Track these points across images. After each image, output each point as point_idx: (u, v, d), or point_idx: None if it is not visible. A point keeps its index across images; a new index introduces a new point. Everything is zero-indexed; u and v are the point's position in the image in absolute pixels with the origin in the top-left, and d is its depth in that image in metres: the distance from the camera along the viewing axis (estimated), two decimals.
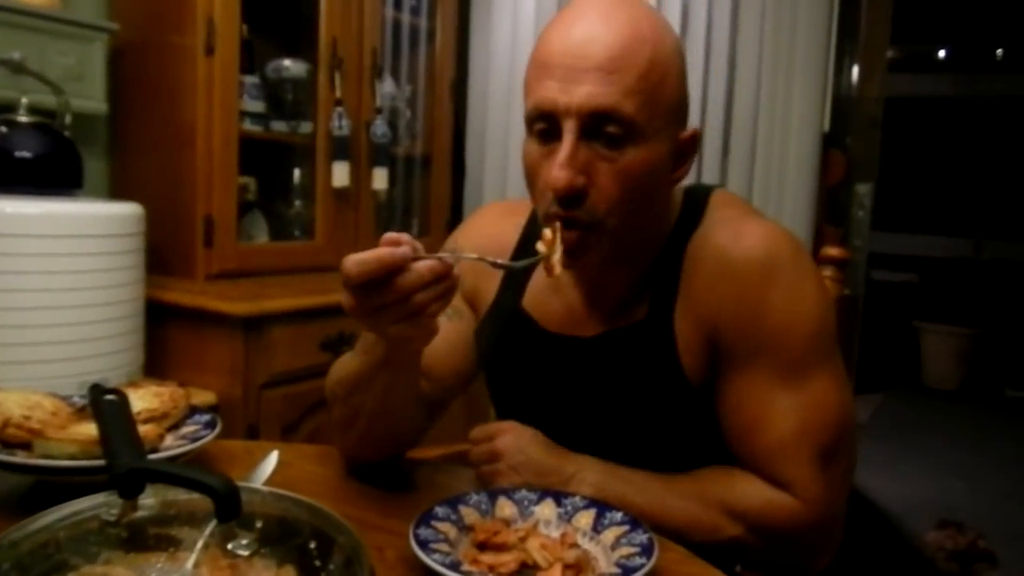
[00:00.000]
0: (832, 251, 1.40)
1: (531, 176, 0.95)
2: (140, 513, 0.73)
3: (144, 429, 0.90)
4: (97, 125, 2.19)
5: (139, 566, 0.72)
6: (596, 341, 1.03)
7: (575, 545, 0.84)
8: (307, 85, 2.41)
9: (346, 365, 1.00)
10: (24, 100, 1.79)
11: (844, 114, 2.77)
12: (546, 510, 0.90)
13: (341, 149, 2.38)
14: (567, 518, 0.89)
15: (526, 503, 0.91)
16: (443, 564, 0.75)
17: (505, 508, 0.90)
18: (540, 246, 0.91)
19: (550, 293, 1.08)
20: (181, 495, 0.74)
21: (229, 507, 0.65)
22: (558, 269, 0.89)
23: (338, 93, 2.37)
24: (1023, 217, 5.72)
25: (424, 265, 0.77)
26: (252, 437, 1.90)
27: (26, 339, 1.63)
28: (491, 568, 0.79)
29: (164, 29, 2.12)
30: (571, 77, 0.88)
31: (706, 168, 2.73)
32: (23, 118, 1.78)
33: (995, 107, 5.77)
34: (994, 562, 2.85)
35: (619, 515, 0.88)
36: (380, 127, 2.49)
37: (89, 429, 0.91)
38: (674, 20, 2.70)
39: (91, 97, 2.05)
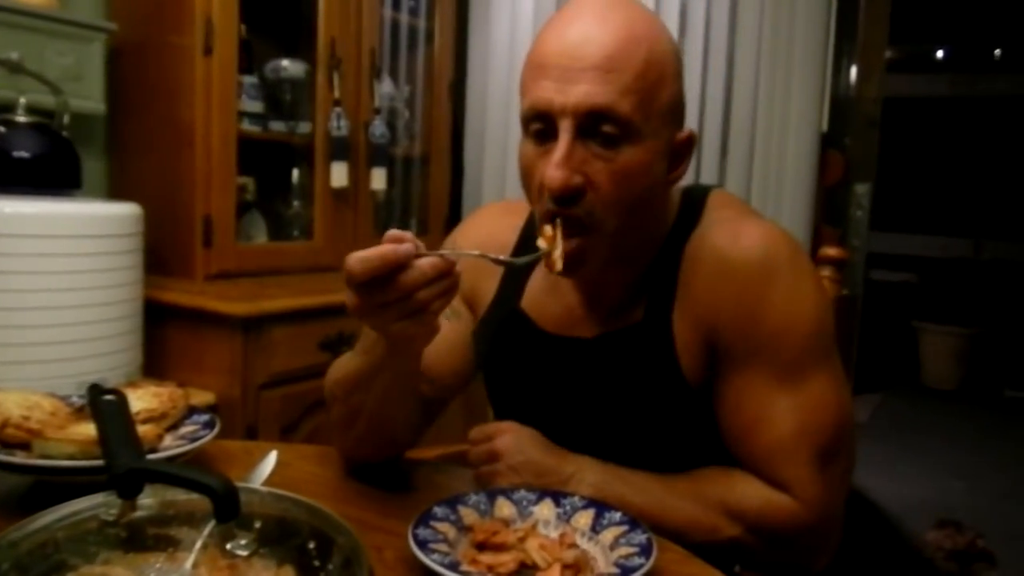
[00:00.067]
0: (830, 251, 1.40)
1: (527, 177, 0.95)
2: (139, 513, 0.73)
3: (143, 429, 0.90)
4: (95, 125, 2.19)
5: (138, 566, 0.72)
6: (594, 342, 1.03)
7: (574, 545, 0.84)
8: (305, 85, 2.41)
9: (345, 365, 1.00)
10: (22, 100, 1.79)
11: (842, 114, 2.77)
12: (545, 510, 0.90)
13: (340, 149, 2.38)
14: (566, 518, 0.89)
15: (525, 503, 0.91)
16: (442, 564, 0.75)
17: (504, 508, 0.90)
18: (541, 242, 0.91)
19: (548, 294, 1.08)
20: (180, 495, 0.74)
21: (228, 507, 0.66)
22: (559, 265, 0.90)
23: (336, 93, 2.37)
24: (1022, 217, 5.73)
25: (427, 262, 0.77)
26: (251, 437, 1.90)
27: (25, 339, 1.63)
28: (490, 568, 0.79)
29: (162, 29, 2.12)
30: (567, 77, 0.88)
31: (704, 168, 2.73)
32: (21, 118, 1.78)
33: (993, 107, 5.78)
34: (993, 562, 2.85)
35: (618, 515, 0.88)
36: (379, 127, 2.49)
37: (88, 429, 0.91)
38: (672, 20, 2.70)
39: (89, 97, 2.05)
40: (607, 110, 0.87)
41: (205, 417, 1.05)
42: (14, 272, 1.61)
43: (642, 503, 0.94)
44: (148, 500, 0.74)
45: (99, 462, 0.81)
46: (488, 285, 1.13)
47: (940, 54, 6.06)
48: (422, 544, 0.78)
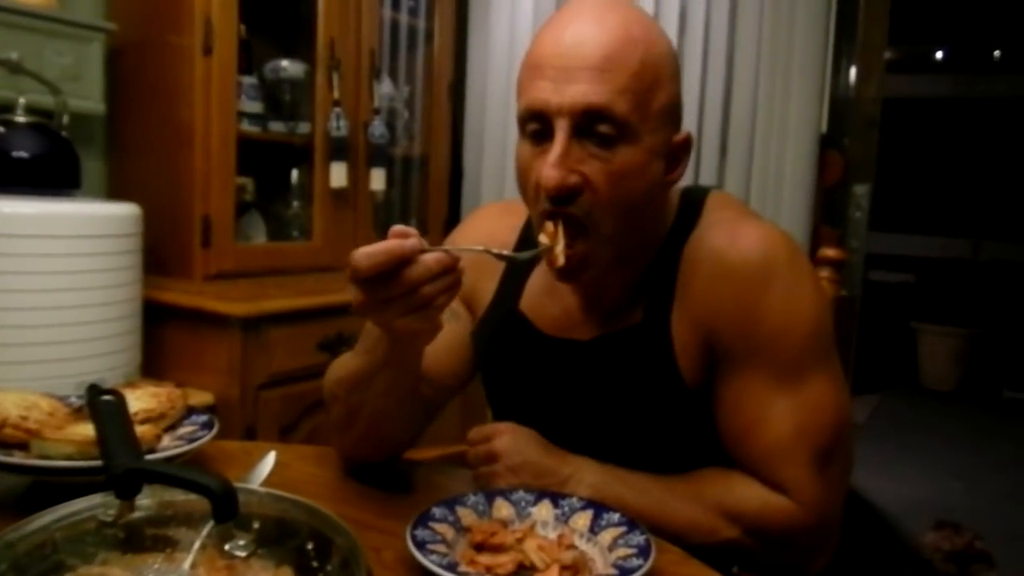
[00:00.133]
0: (829, 252, 1.40)
1: (523, 178, 0.95)
2: (137, 514, 0.73)
3: (141, 430, 0.90)
4: (95, 125, 2.19)
5: (136, 567, 0.72)
6: (593, 344, 1.03)
7: (572, 546, 0.84)
8: (305, 86, 2.41)
9: (346, 365, 1.00)
10: (21, 100, 1.79)
11: (842, 115, 2.77)
12: (543, 511, 0.90)
13: (339, 150, 2.38)
14: (564, 519, 0.89)
15: (523, 504, 0.91)
16: (440, 565, 0.75)
17: (502, 509, 0.90)
18: (543, 238, 0.91)
19: (547, 296, 1.08)
20: (178, 496, 0.74)
21: (226, 508, 0.65)
22: (561, 260, 0.91)
23: (336, 94, 2.37)
24: (1021, 218, 5.73)
25: (432, 257, 0.78)
26: (250, 438, 1.90)
27: (23, 339, 1.63)
28: (488, 569, 0.79)
29: (162, 29, 2.12)
30: (564, 77, 0.88)
31: (704, 168, 2.73)
32: (20, 118, 1.77)
33: (993, 108, 5.78)
34: (991, 563, 2.85)
35: (616, 516, 0.88)
36: (378, 128, 2.49)
37: (86, 430, 0.91)
38: (672, 21, 2.70)
39: (89, 97, 2.05)
40: (603, 109, 0.88)
41: (203, 418, 1.05)
42: (13, 272, 1.61)
43: (641, 504, 0.94)
44: (146, 501, 0.74)
45: (97, 462, 0.81)
46: (487, 286, 1.13)
47: (939, 55, 6.06)
48: (420, 545, 0.78)
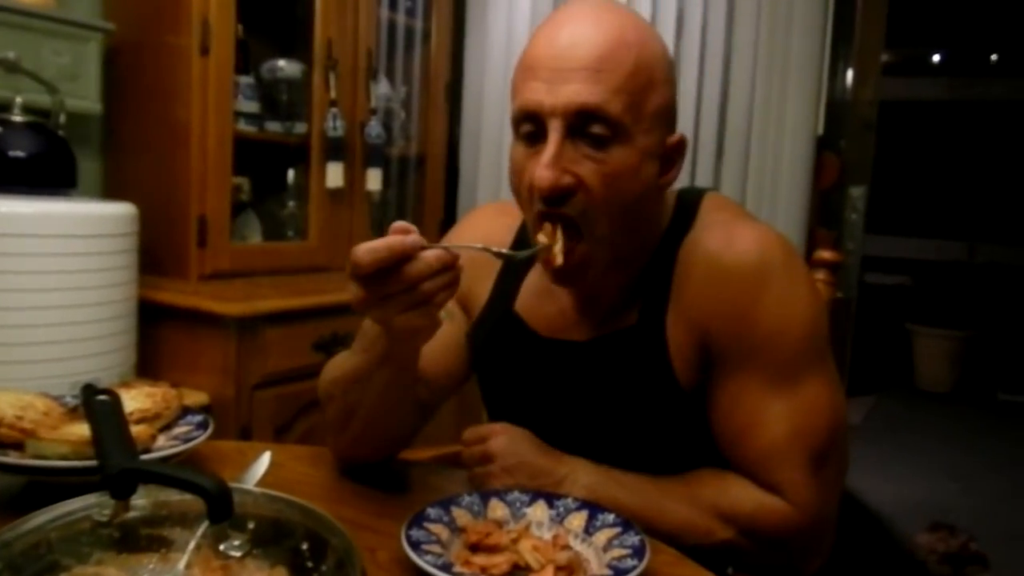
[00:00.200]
0: (825, 254, 1.40)
1: (517, 180, 0.96)
2: (132, 514, 0.73)
3: (136, 430, 0.90)
4: (91, 125, 2.19)
5: (131, 567, 0.72)
6: (588, 345, 1.03)
7: (567, 547, 0.84)
8: (302, 86, 2.41)
9: (342, 364, 1.00)
10: (18, 99, 1.79)
11: (838, 117, 2.77)
12: (538, 512, 0.90)
13: (335, 150, 2.38)
14: (559, 520, 0.89)
15: (518, 505, 0.91)
16: (435, 565, 0.75)
17: (497, 510, 0.90)
18: (541, 237, 0.92)
19: (543, 297, 1.08)
20: (173, 496, 0.74)
21: (221, 508, 0.65)
22: (560, 259, 0.91)
23: (333, 94, 2.37)
24: (1016, 221, 5.75)
25: (432, 254, 0.78)
26: (245, 438, 1.90)
27: (18, 339, 1.63)
28: (483, 570, 0.79)
29: (159, 29, 2.11)
30: (557, 78, 0.89)
31: (700, 170, 2.73)
32: (17, 117, 1.77)
33: (989, 111, 5.79)
34: (986, 564, 2.86)
35: (611, 517, 0.88)
36: (374, 128, 2.49)
37: (81, 429, 0.91)
38: (669, 23, 2.70)
39: (85, 97, 2.04)
40: (596, 110, 0.88)
41: (199, 418, 1.05)
42: (8, 272, 1.61)
43: (635, 505, 0.94)
44: (141, 501, 0.74)
45: (92, 462, 0.81)
46: (482, 288, 1.13)
47: (936, 58, 6.08)
48: (415, 545, 0.78)
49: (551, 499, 0.92)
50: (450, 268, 0.80)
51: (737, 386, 0.96)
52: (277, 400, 1.99)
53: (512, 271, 1.12)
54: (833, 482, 0.98)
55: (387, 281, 0.77)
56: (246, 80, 2.29)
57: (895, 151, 5.50)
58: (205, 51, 2.05)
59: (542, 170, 0.88)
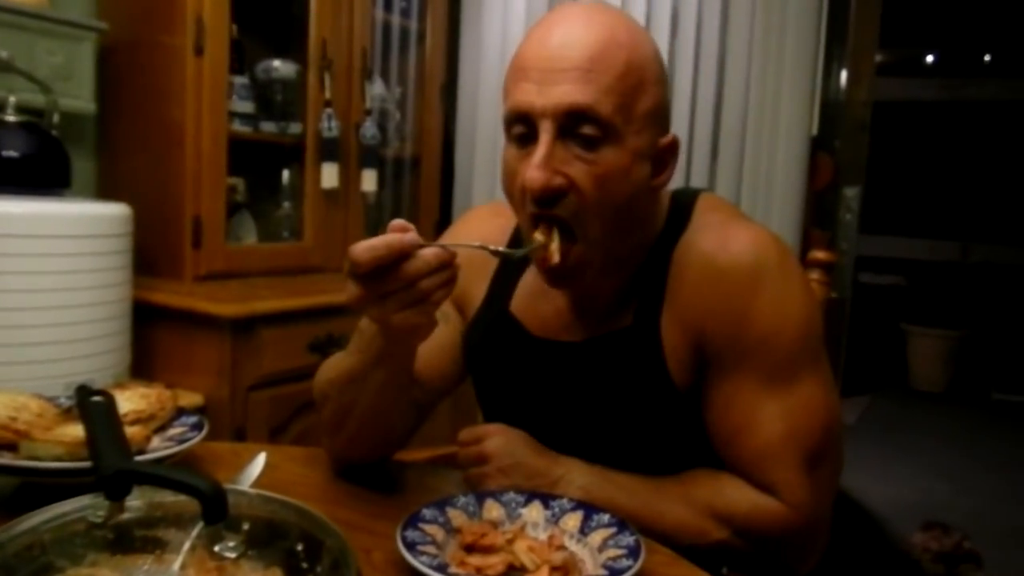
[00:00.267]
0: (819, 254, 1.40)
1: (509, 182, 0.96)
2: (126, 515, 0.73)
3: (131, 431, 0.90)
4: (85, 124, 2.18)
5: (125, 568, 0.72)
6: (583, 346, 1.04)
7: (562, 547, 0.84)
8: (296, 86, 2.40)
9: (338, 364, 1.00)
10: (12, 99, 1.78)
11: (832, 118, 2.79)
12: (534, 512, 0.90)
13: (330, 150, 2.38)
14: (555, 520, 0.89)
15: (514, 505, 0.91)
16: (430, 566, 0.75)
17: (493, 510, 0.90)
18: (538, 235, 0.92)
19: (538, 298, 1.08)
20: (168, 497, 0.74)
21: (216, 509, 0.65)
22: (556, 257, 0.91)
23: (328, 94, 2.36)
24: (1010, 220, 5.76)
25: (430, 252, 0.78)
26: (239, 439, 1.90)
27: (12, 340, 1.62)
28: (478, 570, 0.79)
29: (153, 29, 2.11)
30: (548, 79, 0.89)
31: (695, 171, 2.74)
32: (11, 117, 1.77)
33: (982, 111, 5.81)
34: (979, 563, 2.87)
35: (606, 517, 0.88)
36: (369, 129, 2.49)
37: (76, 431, 0.90)
38: (664, 23, 2.71)
39: (79, 96, 2.04)
40: (587, 110, 0.88)
41: (193, 419, 1.05)
42: (1, 272, 1.60)
43: (631, 505, 0.94)
44: (136, 502, 0.74)
45: (87, 464, 0.81)
46: (478, 288, 1.13)
47: (930, 58, 6.09)
48: (410, 546, 0.78)
49: (547, 500, 0.92)
50: (448, 266, 0.80)
51: (732, 386, 0.96)
52: (272, 401, 1.99)
53: (508, 272, 1.12)
54: (827, 482, 0.98)
55: (385, 279, 0.78)
56: (241, 80, 2.29)
57: (889, 151, 5.51)
58: (199, 51, 2.05)
59: (533, 171, 0.89)
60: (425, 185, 2.82)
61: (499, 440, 1.00)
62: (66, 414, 1.01)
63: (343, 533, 0.71)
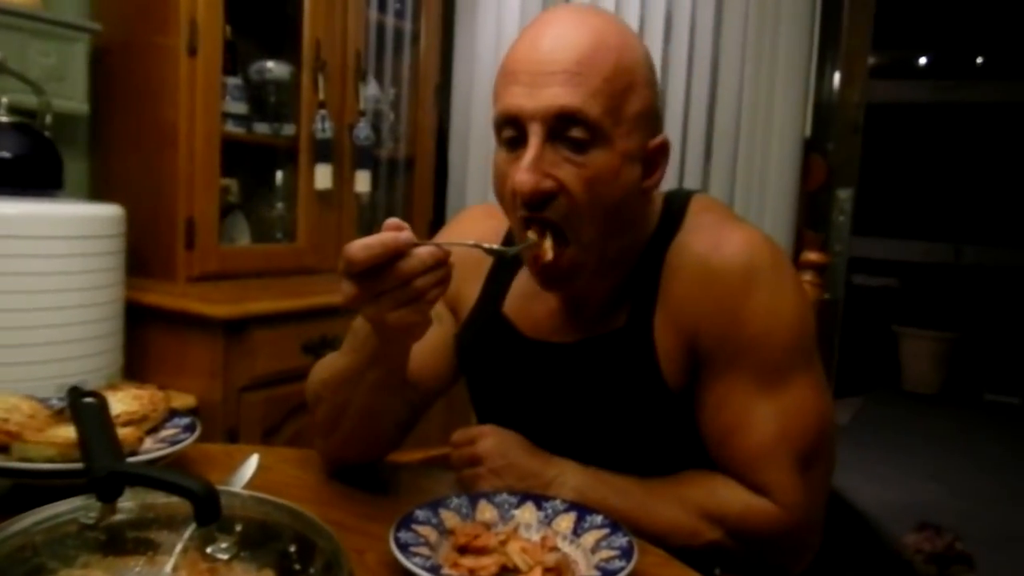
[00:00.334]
0: (812, 256, 1.41)
1: (500, 186, 0.96)
2: (118, 516, 0.73)
3: (123, 432, 0.90)
4: (78, 125, 2.18)
5: (117, 570, 0.72)
6: (576, 347, 1.04)
7: (555, 548, 0.84)
8: (290, 87, 2.40)
9: (331, 365, 1.00)
10: (4, 100, 1.78)
11: (825, 120, 2.79)
12: (527, 513, 0.90)
13: (324, 151, 2.37)
14: (548, 521, 0.89)
15: (507, 506, 0.91)
16: (423, 567, 0.75)
17: (486, 511, 0.90)
18: (531, 234, 0.92)
19: (531, 299, 1.08)
20: (160, 498, 0.74)
21: (208, 511, 0.65)
22: (549, 254, 0.92)
23: (321, 95, 2.36)
24: (1002, 222, 5.79)
25: (425, 250, 0.79)
26: (232, 440, 1.90)
27: (3, 341, 1.62)
28: (471, 572, 0.79)
29: (147, 29, 2.11)
30: (537, 82, 0.89)
31: (688, 173, 2.74)
32: (3, 118, 1.76)
33: (975, 114, 5.84)
34: (971, 564, 2.88)
35: (599, 518, 0.88)
36: (363, 130, 2.49)
37: (67, 432, 0.90)
38: (657, 26, 2.71)
39: (72, 97, 2.03)
40: (576, 112, 0.88)
41: (186, 420, 1.05)
42: None
43: (624, 506, 0.94)
44: (128, 503, 0.74)
45: (79, 465, 0.81)
46: (471, 289, 1.13)
47: (923, 60, 6.12)
48: (403, 547, 0.78)
49: (539, 501, 0.92)
50: (442, 264, 0.80)
51: (725, 387, 0.96)
52: (265, 403, 1.98)
53: (501, 272, 1.12)
54: (820, 483, 0.98)
55: (380, 278, 0.78)
56: (234, 81, 2.29)
57: (882, 153, 5.53)
58: (193, 52, 2.04)
59: (522, 174, 0.89)
60: (419, 186, 2.82)
61: (492, 441, 1.00)
62: (58, 415, 1.01)
63: (336, 534, 0.71)
